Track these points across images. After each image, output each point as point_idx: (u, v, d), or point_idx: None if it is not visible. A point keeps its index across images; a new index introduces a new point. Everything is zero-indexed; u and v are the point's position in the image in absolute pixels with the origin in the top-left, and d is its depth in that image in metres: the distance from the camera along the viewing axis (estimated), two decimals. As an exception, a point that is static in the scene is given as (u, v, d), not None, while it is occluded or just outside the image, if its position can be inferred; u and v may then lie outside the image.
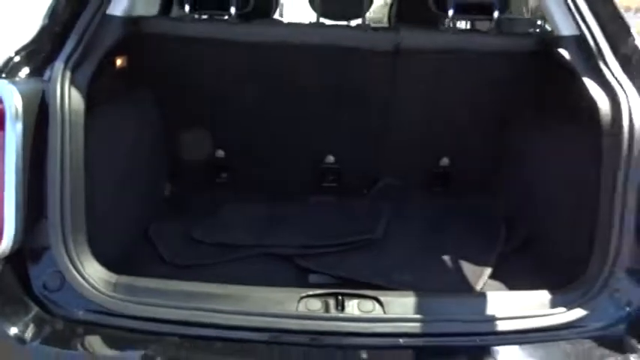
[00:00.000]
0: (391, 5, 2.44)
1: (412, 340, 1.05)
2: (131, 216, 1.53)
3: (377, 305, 1.10)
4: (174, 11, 2.11)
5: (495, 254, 1.47)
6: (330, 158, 1.95)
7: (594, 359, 1.05)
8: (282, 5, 4.04)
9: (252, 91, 1.80)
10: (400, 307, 1.10)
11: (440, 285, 1.34)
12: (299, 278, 1.35)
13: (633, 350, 1.06)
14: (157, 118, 1.77)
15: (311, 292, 1.12)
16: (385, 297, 1.12)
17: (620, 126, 1.17)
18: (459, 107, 1.80)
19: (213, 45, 1.71)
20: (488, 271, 1.39)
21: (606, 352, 1.06)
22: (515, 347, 1.06)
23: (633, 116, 1.17)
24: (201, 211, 1.74)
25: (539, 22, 2.41)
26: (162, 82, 1.74)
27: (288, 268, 1.40)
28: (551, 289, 1.16)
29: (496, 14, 1.66)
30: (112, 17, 1.45)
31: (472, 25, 2.07)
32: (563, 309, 1.10)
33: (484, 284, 1.35)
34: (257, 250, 1.46)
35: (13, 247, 1.06)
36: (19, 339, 1.01)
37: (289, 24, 2.01)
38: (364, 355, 1.02)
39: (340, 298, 1.11)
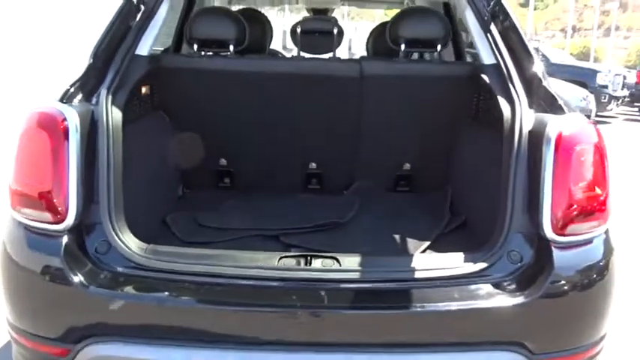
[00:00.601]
0: (367, 41, 2.95)
1: (357, 285, 1.48)
2: (153, 206, 1.97)
3: (335, 262, 1.52)
4: (184, 49, 2.58)
5: (436, 233, 1.89)
6: (313, 165, 2.39)
7: (489, 296, 1.46)
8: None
9: (248, 111, 2.25)
10: (351, 263, 1.52)
11: (388, 252, 1.76)
12: (283, 251, 1.78)
13: (513, 291, 1.47)
14: (173, 133, 2.21)
15: (287, 254, 1.55)
16: (342, 257, 1.54)
17: (514, 129, 1.60)
18: (415, 122, 2.24)
19: (215, 75, 2.17)
20: (427, 243, 1.81)
21: (498, 291, 1.48)
22: (436, 289, 1.47)
23: (522, 123, 1.60)
24: (207, 205, 2.18)
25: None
26: (176, 104, 2.19)
27: (275, 244, 1.83)
28: (467, 252, 1.58)
29: (439, 47, 2.12)
30: (139, 56, 1.91)
31: (421, 55, 2.52)
32: (471, 264, 1.52)
33: (422, 251, 1.78)
34: (250, 232, 1.89)
35: (74, 223, 1.50)
36: (82, 284, 1.44)
37: (275, 57, 2.47)
38: (322, 293, 1.44)
39: (309, 258, 1.54)
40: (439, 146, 2.27)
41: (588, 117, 9.45)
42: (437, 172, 2.32)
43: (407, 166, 2.38)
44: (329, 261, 1.53)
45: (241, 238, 1.86)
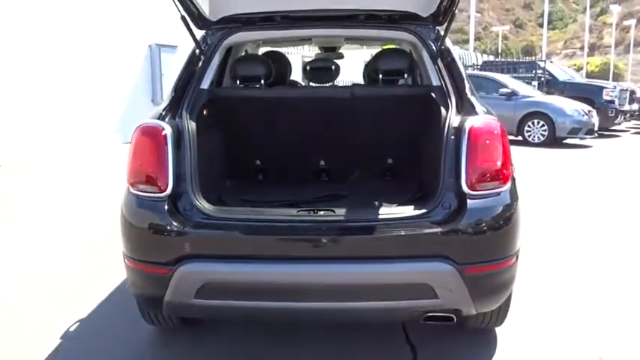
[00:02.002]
0: (363, 71, 3.93)
1: (345, 224, 2.39)
2: (214, 187, 2.92)
3: (331, 212, 2.45)
4: (225, 83, 3.56)
5: (402, 201, 2.79)
6: (322, 162, 3.33)
7: (428, 227, 2.34)
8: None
9: (275, 125, 3.22)
10: (341, 212, 2.44)
11: (367, 208, 2.66)
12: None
13: (444, 224, 2.36)
14: (223, 142, 3.17)
15: (302, 209, 2.48)
16: (336, 209, 2.46)
17: (447, 126, 2.51)
18: (392, 128, 3.17)
19: (252, 101, 3.15)
20: (394, 205, 2.71)
21: (434, 225, 2.35)
22: (394, 223, 2.36)
23: (452, 122, 2.51)
24: (250, 191, 3.12)
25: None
26: (225, 122, 3.16)
27: (294, 209, 2.75)
28: (417, 206, 2.47)
29: (405, 75, 3.07)
30: (202, 89, 2.89)
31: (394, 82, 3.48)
32: (418, 210, 2.41)
33: (389, 207, 2.68)
34: (280, 202, 2.81)
35: (171, 192, 2.44)
36: (177, 227, 2.37)
37: (293, 87, 3.49)
38: (323, 227, 2.35)
39: (315, 210, 2.46)
40: (411, 144, 3.18)
41: (592, 131, 10.22)
42: (411, 163, 3.22)
43: (389, 160, 3.30)
44: (328, 212, 2.46)
45: (273, 203, 2.78)
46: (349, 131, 3.22)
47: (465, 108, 2.63)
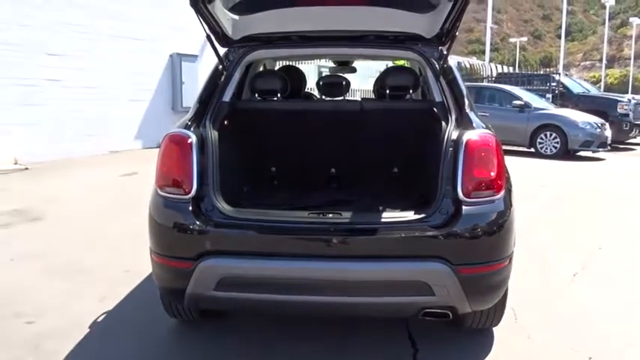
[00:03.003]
0: (373, 86, 4.18)
1: (351, 225, 2.64)
2: (233, 192, 3.18)
3: (339, 215, 2.69)
4: (245, 95, 3.83)
5: (404, 206, 3.02)
6: (333, 170, 3.59)
7: (426, 230, 2.58)
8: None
9: (290, 135, 3.48)
10: (347, 216, 2.68)
11: (372, 212, 2.90)
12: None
13: (441, 227, 2.59)
14: (241, 150, 3.45)
15: (313, 212, 2.73)
16: (344, 213, 2.71)
17: (446, 139, 2.75)
18: (398, 139, 3.42)
19: (269, 112, 3.42)
20: (397, 210, 2.95)
21: (431, 228, 2.59)
22: (395, 226, 2.61)
23: (451, 135, 2.75)
24: (266, 196, 3.39)
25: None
26: (244, 131, 3.43)
27: (306, 212, 3.01)
28: (417, 211, 2.71)
29: (411, 91, 3.33)
30: (224, 102, 3.17)
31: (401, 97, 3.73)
32: (418, 214, 2.65)
33: (392, 212, 2.92)
34: (293, 206, 3.06)
35: (195, 195, 2.70)
36: (200, 226, 2.64)
37: (307, 100, 3.78)
38: (331, 229, 2.60)
39: (324, 213, 2.71)
40: (414, 154, 3.42)
41: (605, 144, 10.35)
42: (414, 172, 3.46)
43: (395, 169, 3.55)
44: (336, 215, 2.71)
45: (286, 206, 3.04)
46: (358, 141, 3.47)
47: (464, 122, 2.86)
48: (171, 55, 13.05)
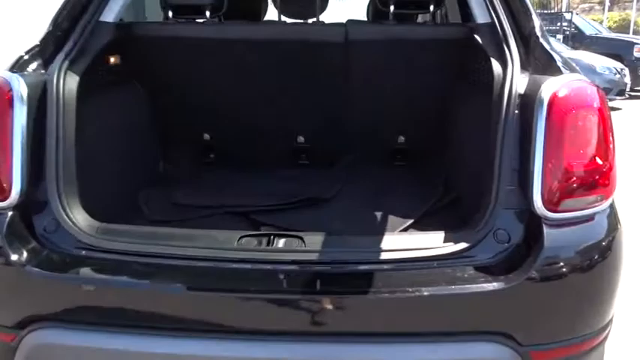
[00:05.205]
0: (367, 7, 2.76)
1: (319, 267, 1.33)
2: (124, 183, 1.86)
3: (300, 242, 1.38)
4: (150, 15, 2.44)
5: (422, 211, 1.73)
6: (301, 139, 2.24)
7: (471, 280, 1.30)
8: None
9: (228, 82, 2.11)
10: (316, 243, 1.37)
11: (366, 230, 1.61)
12: (250, 230, 1.65)
13: (501, 274, 1.31)
14: (149, 107, 2.09)
15: (248, 233, 1.42)
16: (308, 236, 1.40)
17: (503, 92, 1.43)
18: (407, 90, 2.07)
19: (191, 44, 2.04)
20: (409, 222, 1.65)
21: (481, 274, 1.31)
22: (408, 272, 1.32)
23: (513, 86, 1.43)
24: (187, 182, 2.06)
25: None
26: (152, 75, 2.07)
27: (244, 222, 1.70)
28: (448, 230, 1.42)
29: (432, 8, 1.94)
30: (104, 23, 1.79)
31: (412, 17, 2.33)
32: (452, 244, 1.35)
33: (403, 230, 1.62)
34: (221, 210, 1.76)
35: (19, 199, 1.39)
36: (24, 265, 1.34)
37: (255, 23, 2.31)
38: (280, 276, 1.30)
39: (272, 237, 1.40)
40: (435, 117, 2.09)
41: (623, 91, 8.99)
42: (434, 145, 2.14)
43: (401, 139, 2.21)
44: (294, 240, 1.39)
45: (211, 217, 1.73)
46: (341, 93, 2.12)
47: (538, 62, 1.53)
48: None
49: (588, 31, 14.08)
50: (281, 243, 1.38)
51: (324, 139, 2.24)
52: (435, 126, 2.11)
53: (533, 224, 1.35)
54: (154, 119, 2.14)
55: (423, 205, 1.78)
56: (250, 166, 2.21)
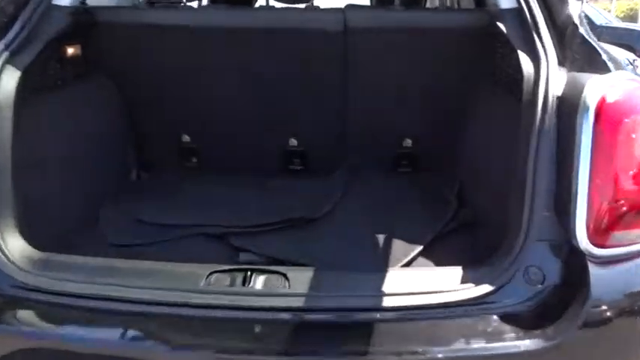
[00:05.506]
0: None
1: (309, 315, 1.06)
2: (82, 198, 1.58)
3: (284, 281, 1.11)
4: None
5: (433, 234, 1.45)
6: (294, 141, 1.96)
7: (496, 335, 1.03)
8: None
9: (210, 77, 1.83)
10: (306, 284, 1.10)
11: (362, 262, 1.33)
12: (230, 257, 1.38)
13: (535, 327, 1.04)
14: (118, 105, 1.82)
15: (221, 268, 1.15)
16: (294, 273, 1.13)
17: (536, 94, 1.15)
18: (415, 87, 1.78)
19: (167, 32, 1.75)
20: (417, 249, 1.37)
21: (509, 327, 1.04)
22: (415, 323, 1.05)
23: (549, 86, 1.15)
24: (162, 193, 1.79)
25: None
26: (121, 69, 1.79)
27: (222, 247, 1.43)
28: (466, 266, 1.14)
29: None
30: (58, 7, 1.51)
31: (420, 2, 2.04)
32: (471, 285, 1.08)
33: (408, 262, 1.34)
34: (194, 230, 1.49)
35: None
36: None
37: (241, 7, 1.97)
38: (256, 329, 1.03)
39: (249, 273, 1.13)
40: (447, 118, 1.81)
41: (635, 83, 8.85)
42: (446, 150, 1.86)
43: (408, 142, 1.92)
44: (276, 278, 1.12)
45: (181, 240, 1.46)
46: (339, 89, 1.84)
47: (576, 56, 1.24)
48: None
49: (598, 20, 13.67)
50: (260, 282, 1.11)
51: (320, 142, 1.96)
52: (447, 128, 1.83)
53: (574, 261, 1.08)
54: (126, 119, 1.87)
55: (433, 225, 1.50)
56: (236, 171, 1.94)
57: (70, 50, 1.60)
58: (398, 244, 1.39)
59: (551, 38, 1.28)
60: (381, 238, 1.44)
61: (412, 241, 1.41)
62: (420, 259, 1.36)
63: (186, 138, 1.98)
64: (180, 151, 2.00)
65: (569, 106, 1.11)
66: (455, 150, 1.83)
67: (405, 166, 1.97)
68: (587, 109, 1.06)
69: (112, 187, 1.76)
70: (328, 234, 1.47)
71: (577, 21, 1.29)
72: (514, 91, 1.35)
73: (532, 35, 1.30)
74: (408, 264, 1.33)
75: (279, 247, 1.39)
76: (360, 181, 1.84)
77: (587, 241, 1.05)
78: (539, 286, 1.07)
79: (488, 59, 1.58)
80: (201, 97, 1.88)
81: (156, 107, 1.90)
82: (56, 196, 1.44)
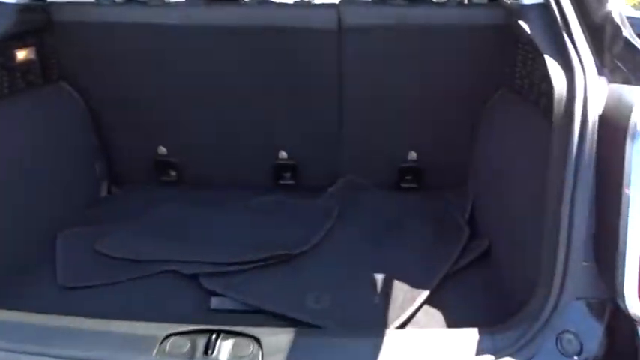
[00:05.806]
0: None
1: None
2: (34, 225, 1.37)
3: (256, 348, 0.90)
4: None
5: (440, 274, 1.22)
6: (284, 154, 1.74)
7: None
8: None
9: (188, 81, 1.61)
10: (282, 352, 0.88)
11: (352, 315, 1.11)
12: (200, 302, 1.16)
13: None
14: (82, 114, 1.60)
15: (180, 330, 0.93)
16: (268, 337, 0.91)
17: (571, 111, 0.92)
18: (421, 93, 1.55)
19: (138, 30, 1.53)
20: (420, 297, 1.14)
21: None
22: None
23: (587, 101, 0.92)
24: (132, 212, 1.56)
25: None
26: (84, 73, 1.57)
27: (193, 289, 1.21)
28: (483, 327, 0.92)
29: None
30: (3, 4, 1.30)
31: None
32: (488, 357, 0.86)
33: (408, 317, 1.11)
34: (161, 267, 1.27)
35: None
36: None
37: (222, 4, 1.73)
38: None
39: (214, 337, 0.91)
40: (459, 129, 1.58)
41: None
42: (456, 164, 1.63)
43: (412, 155, 1.69)
44: (246, 344, 0.90)
45: (144, 278, 1.24)
46: (334, 96, 1.61)
47: (620, 63, 1.01)
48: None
49: (612, 10, 13.37)
50: (226, 350, 0.89)
51: (312, 155, 1.74)
52: (457, 140, 1.60)
53: (619, 326, 0.85)
54: (93, 130, 1.65)
55: (440, 262, 1.27)
56: (219, 187, 1.73)
57: (21, 55, 1.39)
58: (397, 291, 1.16)
59: (587, 41, 1.04)
60: (376, 281, 1.21)
61: (415, 284, 1.18)
62: (423, 310, 1.13)
63: (162, 150, 1.77)
64: (156, 165, 1.78)
65: (613, 128, 0.88)
66: (466, 165, 1.60)
67: (409, 182, 1.74)
68: (637, 133, 0.83)
69: (76, 206, 1.55)
70: (314, 275, 1.25)
71: (618, 20, 1.06)
72: (540, 103, 1.12)
73: (562, 37, 1.07)
74: (408, 320, 1.11)
75: (258, 290, 1.17)
76: (357, 199, 1.62)
77: (639, 302, 0.83)
78: (576, 357, 0.85)
79: (506, 63, 1.35)
80: (178, 105, 1.66)
81: (126, 116, 1.68)
82: (7, 220, 1.23)
